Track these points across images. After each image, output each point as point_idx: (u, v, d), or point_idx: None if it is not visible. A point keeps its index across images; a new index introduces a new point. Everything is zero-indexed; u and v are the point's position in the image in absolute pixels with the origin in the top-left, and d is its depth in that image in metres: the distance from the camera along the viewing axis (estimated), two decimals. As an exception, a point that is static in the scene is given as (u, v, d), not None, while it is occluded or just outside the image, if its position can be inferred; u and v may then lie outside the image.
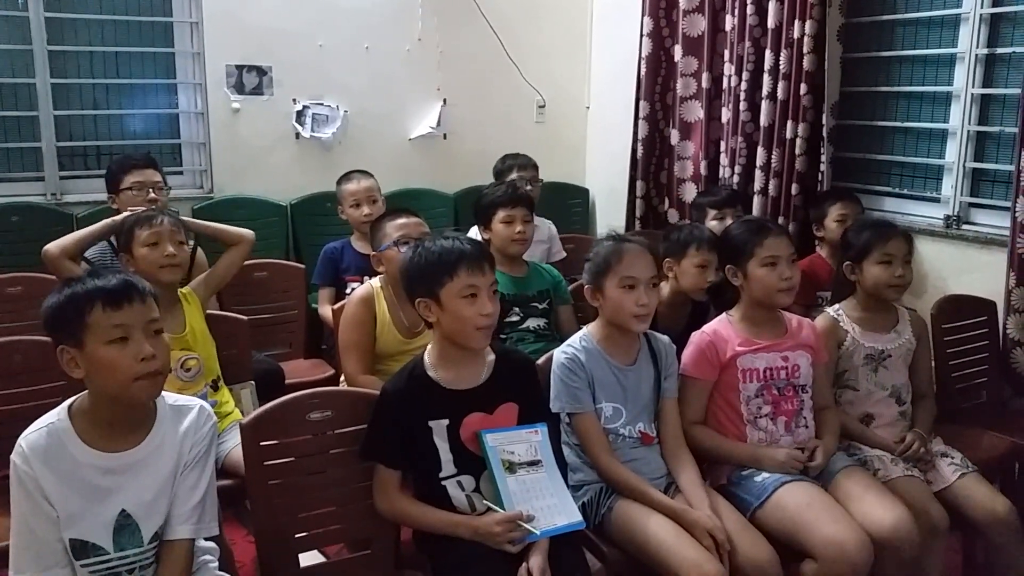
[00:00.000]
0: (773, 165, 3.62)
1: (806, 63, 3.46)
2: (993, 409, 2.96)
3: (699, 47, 4.01)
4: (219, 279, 2.82)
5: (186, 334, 2.53)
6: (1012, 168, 2.98)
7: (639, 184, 4.32)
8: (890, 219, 2.98)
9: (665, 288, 2.82)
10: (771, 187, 3.64)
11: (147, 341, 1.61)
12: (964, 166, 3.32)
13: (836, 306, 2.60)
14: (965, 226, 3.30)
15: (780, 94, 3.56)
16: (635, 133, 4.29)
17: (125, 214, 2.77)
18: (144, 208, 2.80)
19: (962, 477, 2.37)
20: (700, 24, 3.98)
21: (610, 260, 2.18)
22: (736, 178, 3.81)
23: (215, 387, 2.59)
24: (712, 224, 3.34)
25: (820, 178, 3.55)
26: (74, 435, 1.64)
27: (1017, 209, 2.87)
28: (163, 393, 1.73)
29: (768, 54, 3.58)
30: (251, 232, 2.91)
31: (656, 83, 4.23)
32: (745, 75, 3.71)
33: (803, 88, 3.48)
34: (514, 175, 3.84)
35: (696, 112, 4.08)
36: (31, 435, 1.63)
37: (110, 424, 1.67)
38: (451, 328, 1.94)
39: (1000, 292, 2.98)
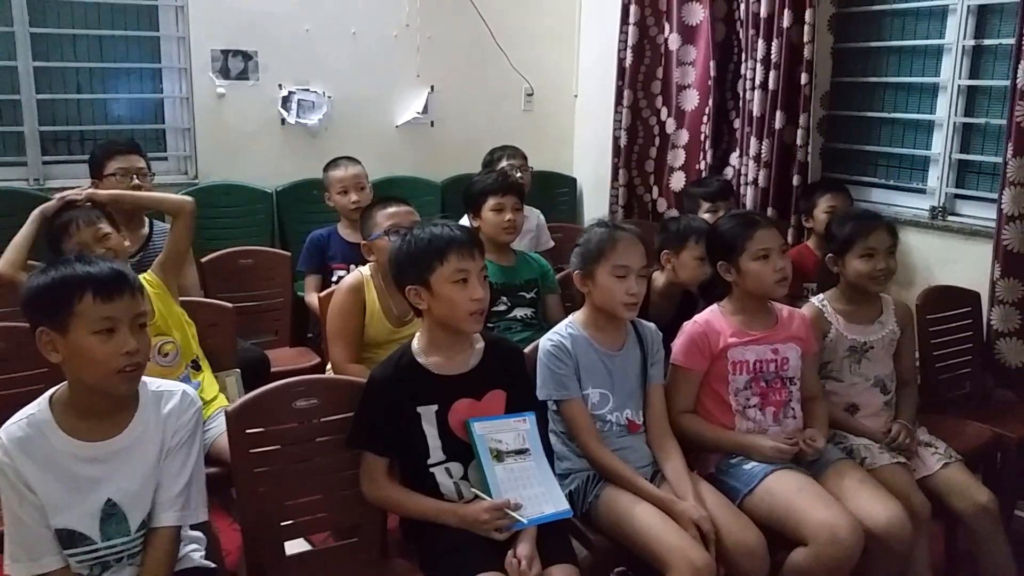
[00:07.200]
0: (763, 156, 3.62)
1: (806, 52, 3.44)
2: (976, 399, 2.99)
3: (696, 35, 4.00)
4: (174, 257, 2.67)
5: (156, 320, 2.48)
6: (998, 159, 2.99)
7: (621, 172, 4.33)
8: (875, 211, 2.98)
9: (660, 278, 2.82)
10: (761, 178, 3.64)
11: (132, 335, 1.60)
12: (950, 157, 3.33)
13: (820, 296, 2.60)
14: (951, 217, 3.32)
15: (771, 84, 3.55)
16: (618, 121, 4.29)
17: (43, 206, 2.71)
18: (60, 198, 2.72)
19: (945, 467, 2.39)
20: (699, 13, 3.97)
21: (603, 247, 2.17)
22: (730, 169, 3.82)
23: (196, 367, 2.56)
24: (705, 216, 3.34)
25: (807, 169, 3.56)
26: (55, 425, 1.62)
27: (1003, 201, 2.88)
28: (145, 379, 1.71)
29: (761, 43, 3.57)
30: (190, 199, 2.75)
31: (639, 71, 4.22)
32: (745, 64, 3.71)
33: (804, 78, 3.47)
34: (503, 164, 3.84)
35: (692, 100, 4.07)
36: (11, 426, 1.61)
37: (91, 413, 1.65)
38: (443, 314, 1.94)
39: (984, 283, 3.00)
